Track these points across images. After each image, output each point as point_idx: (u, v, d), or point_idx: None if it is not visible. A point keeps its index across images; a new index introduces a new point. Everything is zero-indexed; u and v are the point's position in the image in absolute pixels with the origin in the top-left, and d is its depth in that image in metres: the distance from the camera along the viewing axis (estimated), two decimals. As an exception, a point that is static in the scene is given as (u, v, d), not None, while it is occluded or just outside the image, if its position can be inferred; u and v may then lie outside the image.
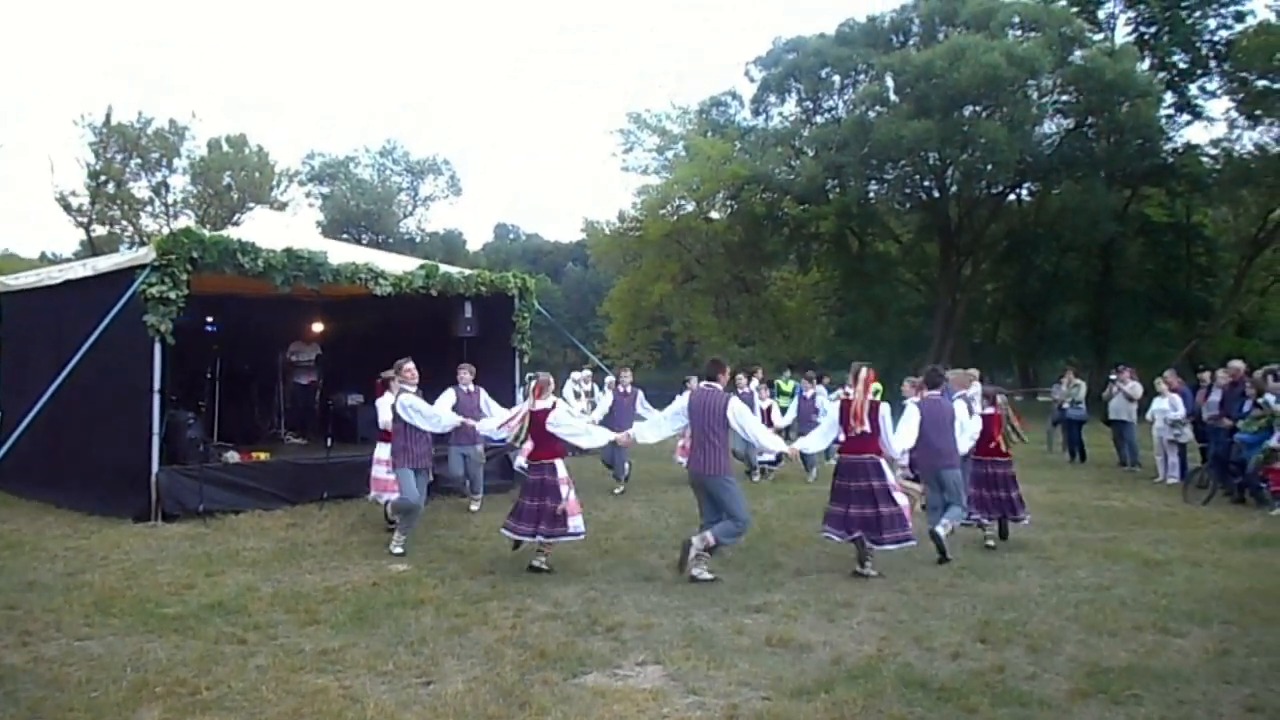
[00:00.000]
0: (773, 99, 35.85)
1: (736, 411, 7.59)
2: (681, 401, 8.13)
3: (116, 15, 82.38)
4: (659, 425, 8.23)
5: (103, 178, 43.97)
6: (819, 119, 34.75)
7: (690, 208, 35.92)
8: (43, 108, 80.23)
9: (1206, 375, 13.91)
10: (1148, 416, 14.55)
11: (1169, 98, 31.09)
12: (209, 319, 13.34)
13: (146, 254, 10.15)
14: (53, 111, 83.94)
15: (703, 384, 7.89)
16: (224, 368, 13.25)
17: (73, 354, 9.54)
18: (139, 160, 45.49)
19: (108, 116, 43.70)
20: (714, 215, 36.75)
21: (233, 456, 11.40)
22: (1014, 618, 6.45)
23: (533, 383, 8.32)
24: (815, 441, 8.56)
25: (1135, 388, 15.20)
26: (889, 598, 7.01)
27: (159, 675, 5.08)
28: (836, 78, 33.82)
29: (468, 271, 13.33)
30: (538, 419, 7.99)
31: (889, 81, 30.66)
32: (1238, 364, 13.19)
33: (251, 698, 4.80)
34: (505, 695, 4.88)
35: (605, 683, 5.12)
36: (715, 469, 7.58)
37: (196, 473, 10.32)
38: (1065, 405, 16.75)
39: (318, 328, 15.32)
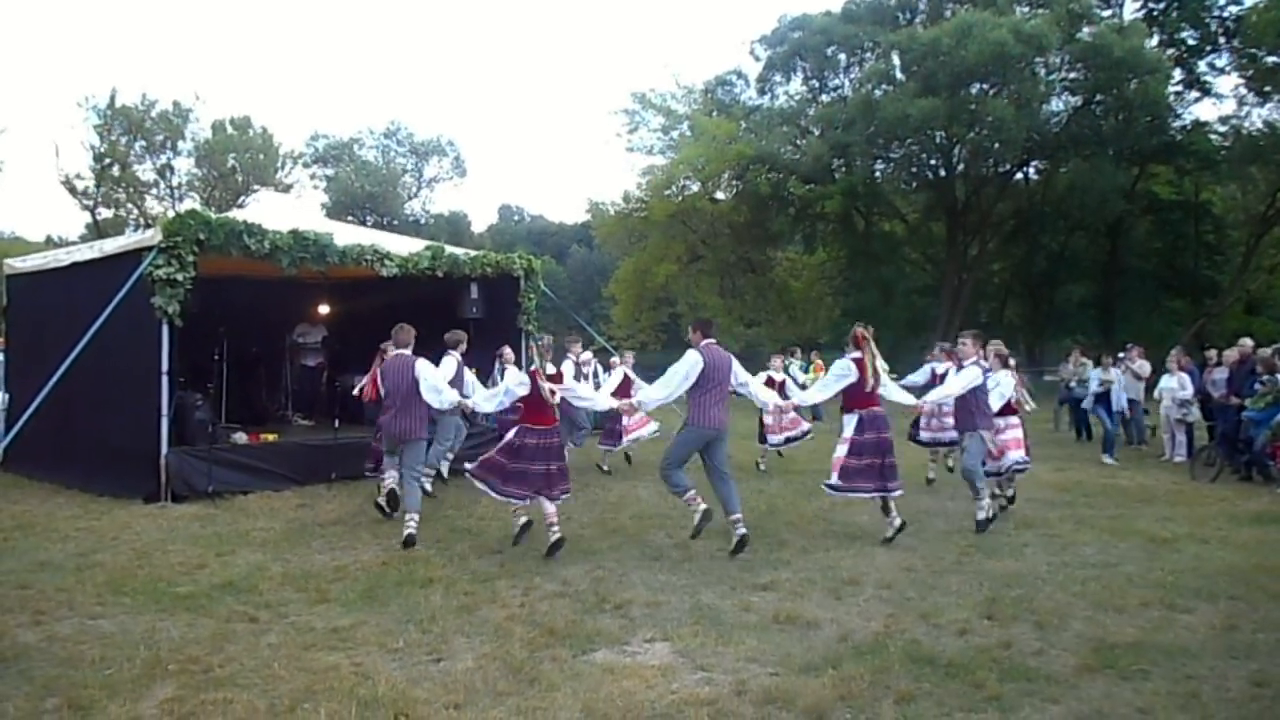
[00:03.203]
0: (778, 78, 35.59)
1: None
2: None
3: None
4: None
5: (107, 160, 43.86)
6: (825, 98, 34.52)
7: (695, 188, 35.73)
8: (46, 90, 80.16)
9: (1213, 353, 13.90)
10: (1155, 395, 14.53)
11: (1178, 74, 30.73)
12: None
13: (153, 236, 10.17)
14: (56, 94, 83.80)
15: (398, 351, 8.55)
16: (231, 350, 13.28)
17: (81, 336, 9.57)
18: (143, 142, 45.40)
19: (111, 99, 43.59)
20: (719, 195, 36.55)
21: (241, 438, 11.45)
22: (1021, 594, 6.48)
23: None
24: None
25: (1144, 366, 15.17)
26: (896, 575, 7.04)
27: (172, 653, 5.13)
28: (842, 56, 33.56)
29: (473, 252, 13.34)
30: None
31: (895, 59, 30.39)
32: (1247, 342, 13.18)
33: (264, 675, 4.84)
34: (515, 672, 4.91)
35: (614, 659, 5.16)
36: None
37: (205, 454, 10.36)
38: (1072, 384, 16.74)
39: (324, 310, 15.34)
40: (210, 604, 6.13)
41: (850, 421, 8.29)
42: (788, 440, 12.84)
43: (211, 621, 5.75)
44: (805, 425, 13.01)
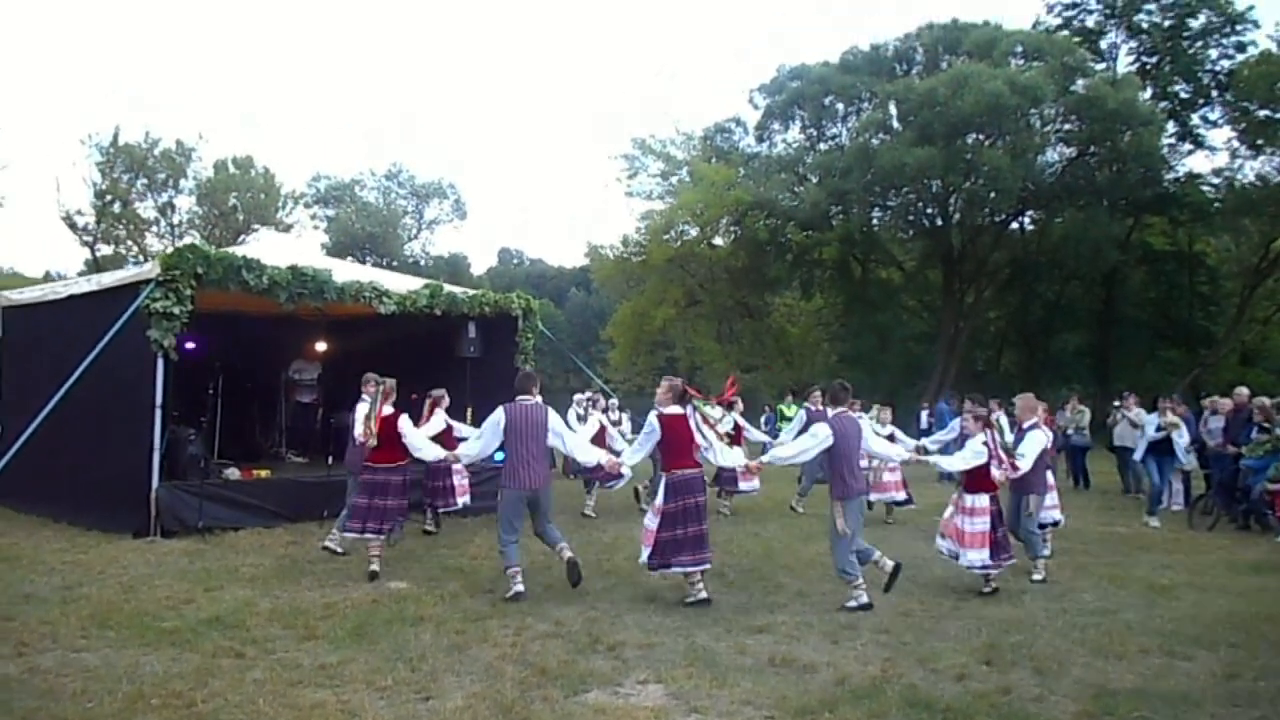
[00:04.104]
0: (776, 126, 36.03)
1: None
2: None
3: (123, 35, 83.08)
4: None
5: (108, 197, 44.13)
6: (822, 146, 34.89)
7: (694, 233, 36.01)
8: (49, 127, 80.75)
9: (1208, 402, 13.89)
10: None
11: (1171, 127, 31.19)
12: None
13: (151, 269, 10.17)
14: (59, 131, 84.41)
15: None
16: (226, 385, 13.23)
17: (75, 369, 9.53)
18: (145, 180, 45.72)
19: (115, 136, 44.00)
20: (718, 241, 36.81)
21: (233, 473, 11.37)
22: (1019, 640, 6.39)
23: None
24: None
25: (1140, 414, 15.14)
26: (893, 620, 6.95)
27: (155, 687, 5.03)
28: (840, 105, 34.01)
29: (472, 291, 13.34)
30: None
31: (892, 109, 30.79)
32: (1243, 391, 13.18)
33: (248, 710, 4.74)
34: (505, 712, 4.82)
35: (606, 700, 5.06)
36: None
37: (197, 489, 10.29)
38: (1069, 431, 16.69)
39: (321, 347, 15.30)
40: (196, 639, 6.02)
41: (660, 486, 7.56)
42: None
43: (196, 656, 5.64)
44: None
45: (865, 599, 7.23)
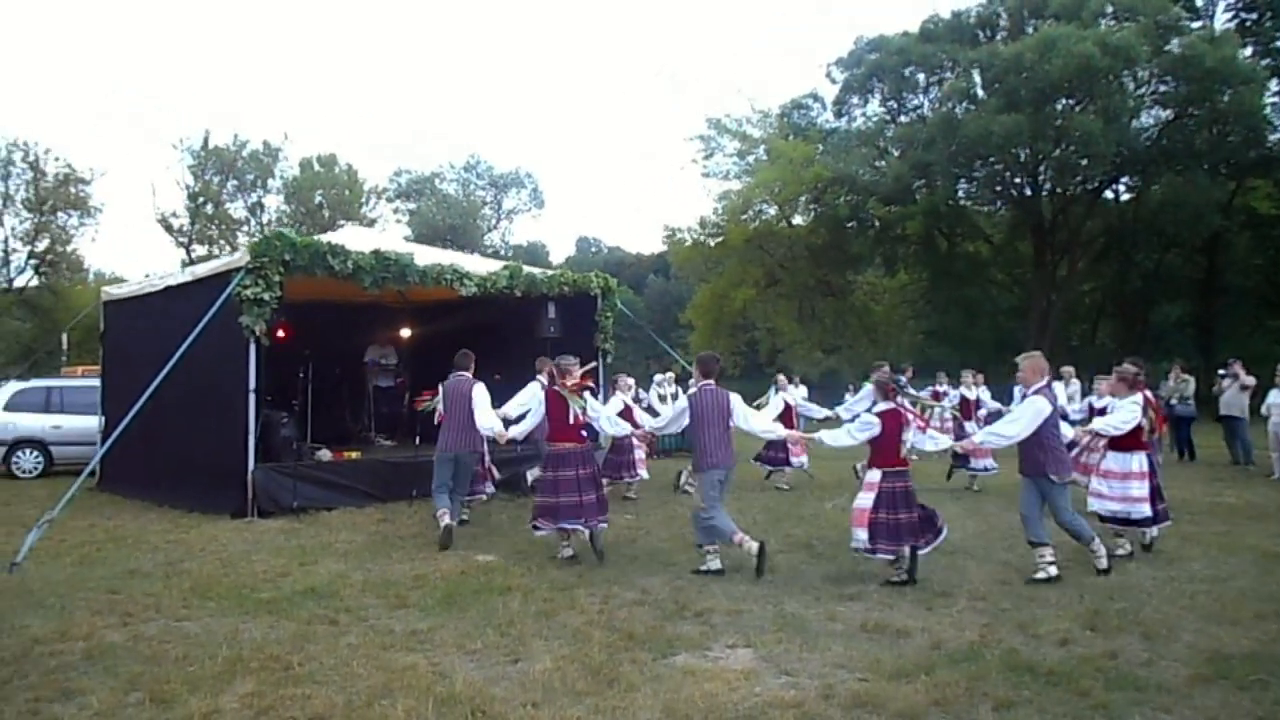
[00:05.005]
0: (855, 100, 35.37)
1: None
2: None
3: (207, 40, 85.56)
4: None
5: (201, 199, 45.70)
6: (903, 118, 34.12)
7: (772, 212, 35.60)
8: (144, 134, 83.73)
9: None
10: (1263, 411, 13.85)
11: (1273, 85, 29.59)
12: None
13: (241, 257, 10.42)
14: (154, 137, 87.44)
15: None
16: (315, 371, 13.51)
17: (171, 358, 9.81)
18: (235, 181, 47.20)
19: (205, 140, 45.50)
20: (797, 219, 36.34)
21: (325, 455, 11.62)
22: (1125, 607, 6.14)
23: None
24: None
25: (1249, 379, 14.52)
26: (990, 587, 6.76)
27: (253, 652, 5.14)
28: (921, 76, 33.20)
29: (550, 271, 13.39)
30: None
31: (976, 77, 29.91)
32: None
33: (342, 672, 4.82)
34: (593, 673, 4.80)
35: (695, 663, 5.01)
36: None
37: (291, 471, 10.53)
38: (1173, 401, 16.03)
39: (405, 332, 15.57)
40: (292, 608, 6.15)
41: (545, 457, 8.19)
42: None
43: (292, 624, 5.76)
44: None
45: (717, 564, 7.35)
